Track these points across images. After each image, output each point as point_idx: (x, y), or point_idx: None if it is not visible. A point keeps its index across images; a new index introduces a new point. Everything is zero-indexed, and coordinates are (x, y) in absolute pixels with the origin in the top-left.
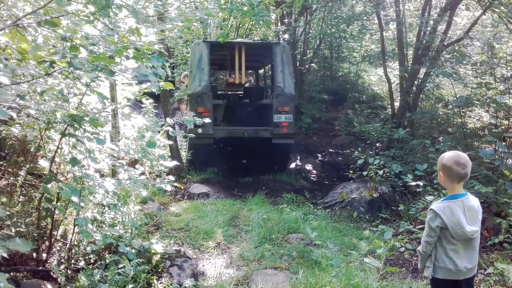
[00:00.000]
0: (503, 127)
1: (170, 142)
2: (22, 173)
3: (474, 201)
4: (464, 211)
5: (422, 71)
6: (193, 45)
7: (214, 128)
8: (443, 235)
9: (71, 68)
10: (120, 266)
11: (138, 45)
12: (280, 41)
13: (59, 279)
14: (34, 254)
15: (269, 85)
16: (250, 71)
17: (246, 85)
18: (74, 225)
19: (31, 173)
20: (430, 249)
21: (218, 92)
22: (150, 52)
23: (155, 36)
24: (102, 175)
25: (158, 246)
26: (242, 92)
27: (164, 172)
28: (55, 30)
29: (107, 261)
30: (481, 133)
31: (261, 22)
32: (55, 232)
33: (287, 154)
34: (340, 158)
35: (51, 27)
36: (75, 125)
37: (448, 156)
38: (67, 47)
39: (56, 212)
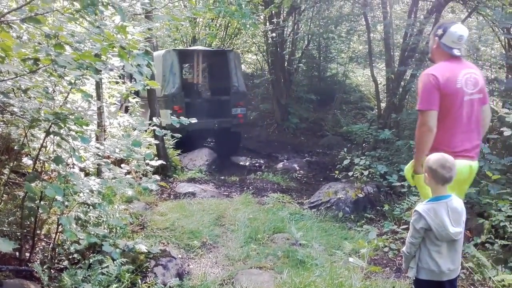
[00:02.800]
0: None
1: (157, 141)
2: (5, 171)
3: (458, 203)
4: (448, 212)
5: (409, 72)
6: (165, 52)
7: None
8: (427, 236)
9: (56, 66)
10: (104, 265)
11: (123, 43)
12: (233, 49)
13: (42, 279)
14: (17, 254)
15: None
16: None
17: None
18: (58, 225)
19: (14, 172)
20: (414, 250)
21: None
22: (137, 50)
23: (141, 35)
24: (87, 174)
25: (142, 246)
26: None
27: (150, 171)
28: (40, 28)
29: (91, 260)
30: None
31: (247, 25)
32: (38, 232)
33: (239, 138)
34: (327, 158)
35: (36, 24)
36: (60, 124)
37: (434, 158)
38: (51, 45)
39: (40, 211)
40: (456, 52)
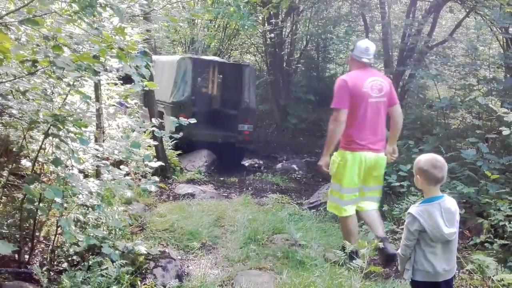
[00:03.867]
0: (485, 128)
1: (156, 143)
2: (4, 173)
3: (451, 203)
4: (442, 213)
5: (407, 72)
6: (180, 59)
7: (195, 132)
8: (422, 237)
9: (54, 68)
10: (103, 267)
11: (122, 45)
12: (249, 63)
13: (41, 281)
14: (16, 256)
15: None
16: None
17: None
18: (57, 227)
19: (13, 174)
20: (409, 252)
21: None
22: (135, 51)
23: (139, 36)
24: (86, 176)
25: (142, 248)
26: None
27: (149, 172)
28: (38, 29)
29: (90, 262)
30: (464, 134)
31: (246, 27)
32: (37, 234)
33: (242, 154)
34: None
35: (34, 26)
36: (59, 125)
37: (425, 159)
38: (50, 46)
39: (39, 213)
40: (365, 60)
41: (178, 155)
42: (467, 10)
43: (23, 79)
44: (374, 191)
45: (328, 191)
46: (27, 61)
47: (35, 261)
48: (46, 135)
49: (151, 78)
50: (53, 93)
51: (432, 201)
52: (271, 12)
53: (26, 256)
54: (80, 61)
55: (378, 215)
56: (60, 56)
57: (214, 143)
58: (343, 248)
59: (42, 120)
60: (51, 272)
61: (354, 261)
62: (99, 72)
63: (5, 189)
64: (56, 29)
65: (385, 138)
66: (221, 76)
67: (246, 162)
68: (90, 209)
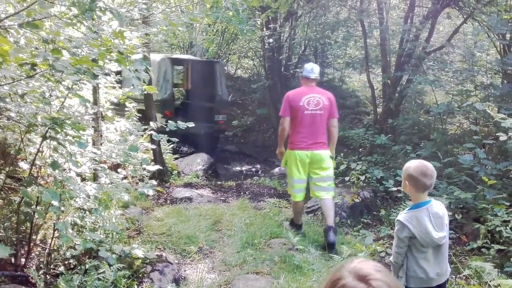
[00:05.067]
0: (483, 134)
1: (154, 146)
2: (1, 176)
3: (438, 207)
4: (430, 218)
5: (405, 78)
6: (160, 60)
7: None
8: (413, 244)
9: (53, 71)
10: (100, 271)
11: (121, 49)
12: (219, 60)
13: (37, 285)
14: (13, 259)
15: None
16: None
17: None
18: (54, 230)
19: (10, 176)
20: (401, 259)
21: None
22: (135, 55)
23: (139, 40)
24: (83, 179)
25: (139, 251)
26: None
27: (147, 176)
28: (38, 33)
29: (87, 266)
30: (461, 140)
31: (245, 31)
32: (34, 237)
33: (218, 141)
34: None
35: (33, 29)
36: (57, 129)
37: (414, 166)
38: (49, 50)
39: (36, 216)
40: (311, 76)
41: (176, 158)
42: (465, 16)
43: (22, 82)
44: (324, 182)
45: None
46: (26, 64)
47: (31, 265)
48: (44, 138)
49: (150, 82)
50: (51, 96)
51: (420, 207)
52: (270, 17)
53: (23, 259)
54: (79, 65)
55: (332, 204)
56: (59, 59)
57: (197, 135)
58: (292, 221)
59: (40, 123)
60: (47, 276)
61: (298, 230)
62: (98, 76)
63: (2, 192)
64: (55, 32)
65: (326, 141)
66: (197, 72)
67: (243, 167)
68: (87, 212)
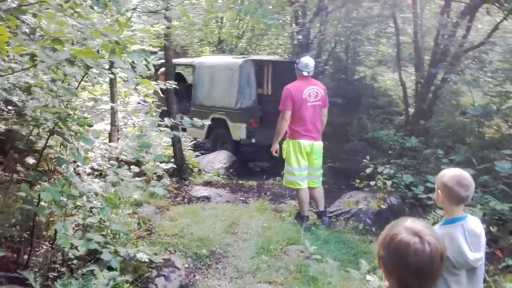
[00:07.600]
0: None
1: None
2: (21, 169)
3: (475, 224)
4: (465, 236)
5: (439, 76)
6: (243, 63)
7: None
8: (443, 265)
9: (50, 63)
10: (101, 275)
11: (112, 38)
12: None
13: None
14: (15, 257)
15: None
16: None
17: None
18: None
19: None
20: None
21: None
22: (136, 46)
23: (146, 30)
24: (100, 175)
25: (143, 255)
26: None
27: (166, 173)
28: (25, 19)
29: (84, 271)
30: (499, 145)
31: (268, 23)
32: (41, 235)
33: None
34: (350, 165)
35: (19, 15)
36: (60, 124)
37: (450, 174)
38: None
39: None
40: (305, 73)
41: (197, 156)
42: (505, 13)
43: (27, 74)
44: (318, 171)
45: (284, 171)
46: (26, 54)
47: (35, 263)
48: (51, 133)
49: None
50: (58, 89)
51: (454, 223)
52: (299, 12)
53: (25, 257)
54: (81, 56)
55: (323, 191)
56: (60, 50)
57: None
58: (298, 214)
59: (43, 119)
60: (49, 276)
61: (305, 222)
62: (92, 67)
63: (8, 190)
64: (59, 22)
65: (321, 132)
66: (278, 74)
67: (265, 166)
68: (92, 211)
